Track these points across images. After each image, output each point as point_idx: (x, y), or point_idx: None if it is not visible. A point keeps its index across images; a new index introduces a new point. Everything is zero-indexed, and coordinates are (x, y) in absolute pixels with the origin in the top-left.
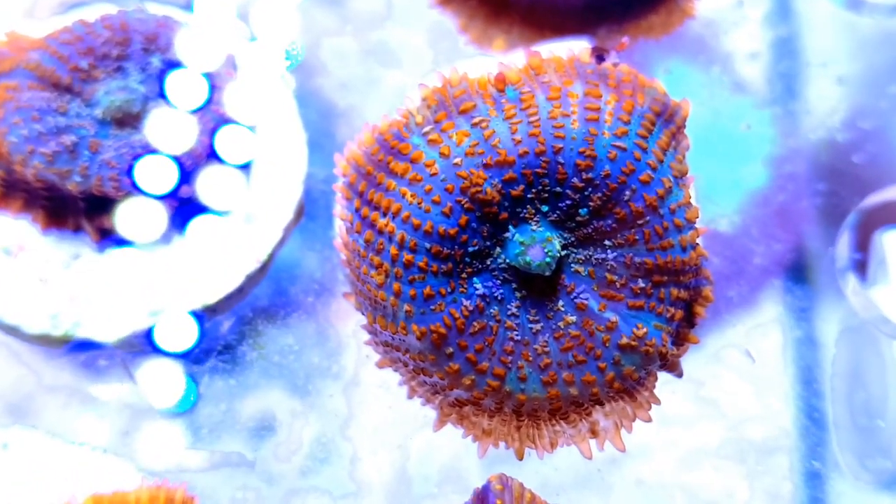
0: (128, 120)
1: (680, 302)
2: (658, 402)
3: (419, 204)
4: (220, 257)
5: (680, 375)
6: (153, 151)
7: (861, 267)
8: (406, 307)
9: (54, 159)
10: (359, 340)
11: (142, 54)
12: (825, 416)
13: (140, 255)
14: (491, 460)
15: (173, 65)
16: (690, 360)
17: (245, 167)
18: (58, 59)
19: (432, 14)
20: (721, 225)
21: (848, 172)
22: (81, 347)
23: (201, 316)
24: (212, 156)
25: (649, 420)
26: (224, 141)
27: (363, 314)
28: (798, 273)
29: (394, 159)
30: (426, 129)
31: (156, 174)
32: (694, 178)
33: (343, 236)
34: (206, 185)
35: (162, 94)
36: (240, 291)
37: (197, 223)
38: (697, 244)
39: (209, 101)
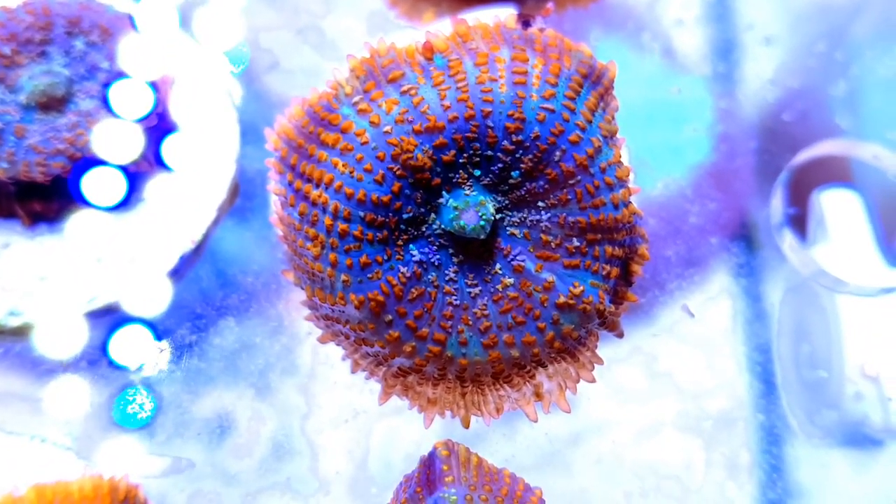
0: (53, 104)
1: (615, 259)
2: (601, 362)
3: (351, 173)
4: (154, 238)
5: (620, 335)
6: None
7: (798, 223)
8: (343, 277)
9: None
10: (314, 332)
11: (65, 38)
12: (776, 382)
13: (73, 237)
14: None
15: (96, 47)
16: (643, 335)
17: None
18: None
19: (369, 3)
20: (656, 188)
21: (779, 130)
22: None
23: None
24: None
25: (593, 380)
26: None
27: (302, 289)
28: (740, 236)
29: (324, 130)
30: (355, 99)
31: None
32: (624, 140)
33: (278, 211)
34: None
35: (87, 77)
36: (175, 273)
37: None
38: (630, 202)
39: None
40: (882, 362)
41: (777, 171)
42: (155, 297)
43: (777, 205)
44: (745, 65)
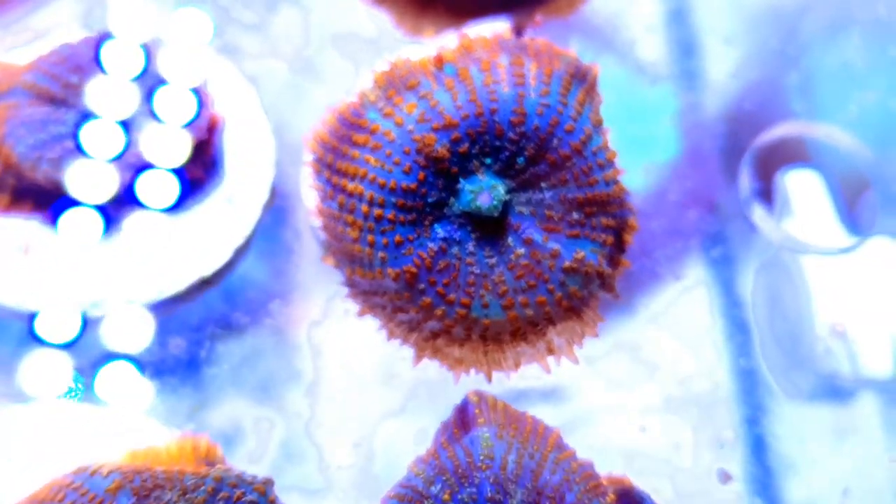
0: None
1: (610, 229)
2: (602, 319)
3: (382, 166)
4: (211, 235)
5: (616, 297)
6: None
7: (765, 199)
8: (381, 255)
9: (60, 162)
10: (313, 340)
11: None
12: (755, 359)
13: (132, 237)
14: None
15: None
16: (628, 326)
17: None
18: (51, 78)
19: (346, 27)
20: (639, 172)
21: (741, 118)
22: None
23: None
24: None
25: (596, 335)
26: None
27: (342, 271)
28: (712, 211)
29: (355, 133)
30: (379, 104)
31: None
32: (609, 130)
33: (318, 205)
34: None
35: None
36: (230, 264)
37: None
38: (618, 180)
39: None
40: (847, 319)
41: (742, 152)
42: (208, 289)
43: (744, 181)
44: (707, 63)
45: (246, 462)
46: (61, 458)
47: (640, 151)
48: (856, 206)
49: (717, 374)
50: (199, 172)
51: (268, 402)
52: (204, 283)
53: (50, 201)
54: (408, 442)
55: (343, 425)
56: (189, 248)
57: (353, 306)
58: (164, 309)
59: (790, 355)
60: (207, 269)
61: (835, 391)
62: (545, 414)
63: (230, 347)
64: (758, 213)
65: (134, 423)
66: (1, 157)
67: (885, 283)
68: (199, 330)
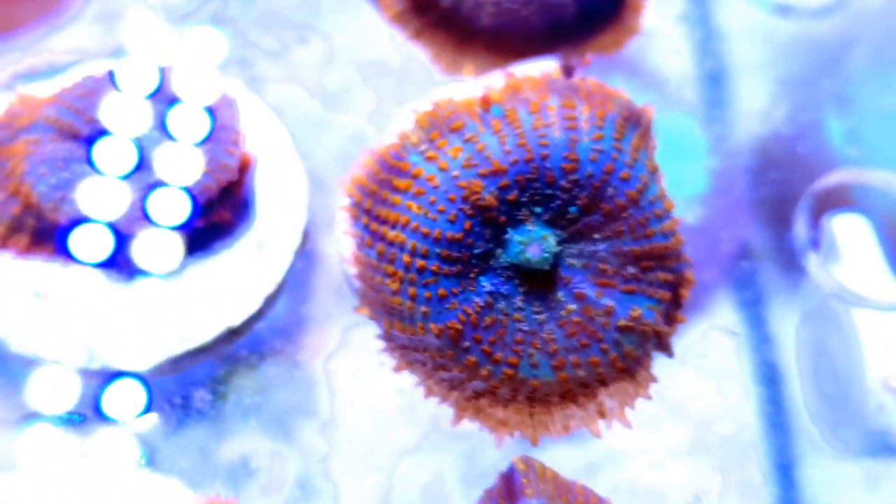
0: (145, 161)
1: (667, 284)
2: (656, 380)
3: (426, 214)
4: (239, 282)
5: (671, 355)
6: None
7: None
8: (423, 309)
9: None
10: (329, 374)
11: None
12: (787, 402)
13: (161, 282)
14: (473, 477)
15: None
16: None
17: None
18: (74, 113)
19: (369, 55)
20: (687, 218)
21: (787, 161)
22: (114, 377)
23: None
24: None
25: (649, 397)
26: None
27: (378, 324)
28: (749, 261)
29: (396, 177)
30: (422, 147)
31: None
32: (664, 175)
33: (354, 252)
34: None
35: (168, 134)
36: (259, 313)
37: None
38: (677, 231)
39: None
40: None
41: (776, 193)
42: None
43: (800, 228)
44: (741, 100)
45: (259, 497)
46: None
47: (670, 188)
48: None
49: (745, 415)
50: (228, 215)
51: (283, 436)
52: (232, 334)
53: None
54: (426, 479)
55: (360, 461)
56: (216, 295)
57: (373, 343)
58: (189, 361)
59: (838, 410)
60: (236, 319)
61: (886, 447)
62: (569, 455)
63: (245, 380)
64: (813, 262)
65: (152, 482)
66: (21, 197)
67: None
68: (226, 383)
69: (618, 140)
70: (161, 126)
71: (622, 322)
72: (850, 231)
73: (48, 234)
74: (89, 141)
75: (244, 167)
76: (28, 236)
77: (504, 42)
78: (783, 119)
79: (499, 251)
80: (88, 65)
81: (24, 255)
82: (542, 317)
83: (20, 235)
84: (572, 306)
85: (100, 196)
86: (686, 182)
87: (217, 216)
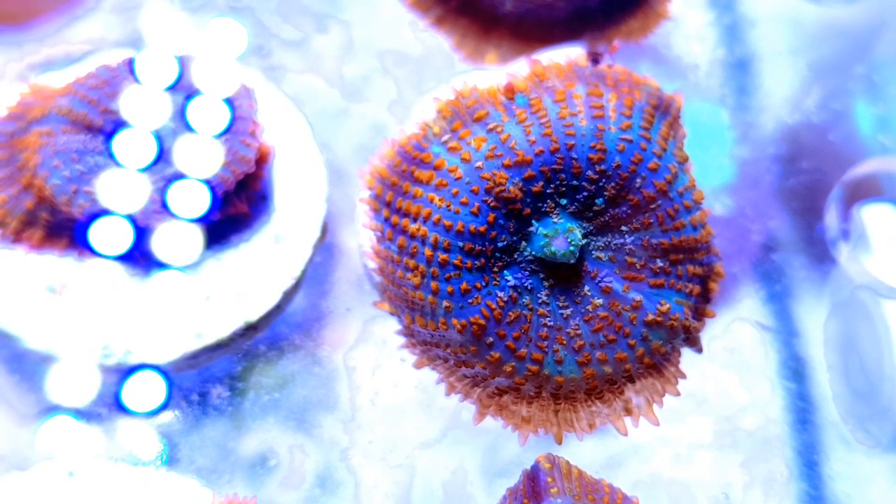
0: (164, 153)
1: (696, 278)
2: (684, 376)
3: (448, 206)
4: (257, 276)
5: (700, 350)
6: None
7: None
8: (445, 303)
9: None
10: (349, 369)
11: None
12: (813, 396)
13: (181, 276)
14: (495, 471)
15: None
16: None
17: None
18: (88, 103)
19: (389, 44)
20: (714, 208)
21: (820, 149)
22: (132, 371)
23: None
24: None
25: (677, 394)
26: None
27: (399, 319)
28: (776, 252)
29: (417, 168)
30: (444, 138)
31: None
32: (693, 165)
33: (374, 246)
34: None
35: (187, 126)
36: (277, 308)
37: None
38: (706, 223)
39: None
40: None
41: (811, 189)
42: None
43: (832, 219)
44: (770, 87)
45: (280, 491)
46: None
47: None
48: None
49: (771, 409)
50: (245, 207)
51: (303, 432)
52: (250, 329)
53: (86, 237)
54: (447, 474)
55: (380, 456)
56: (233, 290)
57: (393, 338)
58: (206, 357)
59: (868, 404)
60: (254, 314)
61: None
62: (591, 448)
63: (263, 376)
64: (843, 253)
65: (173, 483)
66: (34, 190)
67: None
68: (244, 379)
69: (646, 129)
70: (180, 117)
71: (650, 317)
72: (881, 221)
73: (62, 228)
74: (104, 132)
75: (262, 159)
76: (42, 230)
77: (528, 29)
78: (814, 107)
79: (523, 244)
80: (104, 55)
81: (38, 250)
82: (567, 311)
83: (34, 229)
84: (599, 301)
85: (118, 188)
86: (713, 172)
87: (234, 209)
